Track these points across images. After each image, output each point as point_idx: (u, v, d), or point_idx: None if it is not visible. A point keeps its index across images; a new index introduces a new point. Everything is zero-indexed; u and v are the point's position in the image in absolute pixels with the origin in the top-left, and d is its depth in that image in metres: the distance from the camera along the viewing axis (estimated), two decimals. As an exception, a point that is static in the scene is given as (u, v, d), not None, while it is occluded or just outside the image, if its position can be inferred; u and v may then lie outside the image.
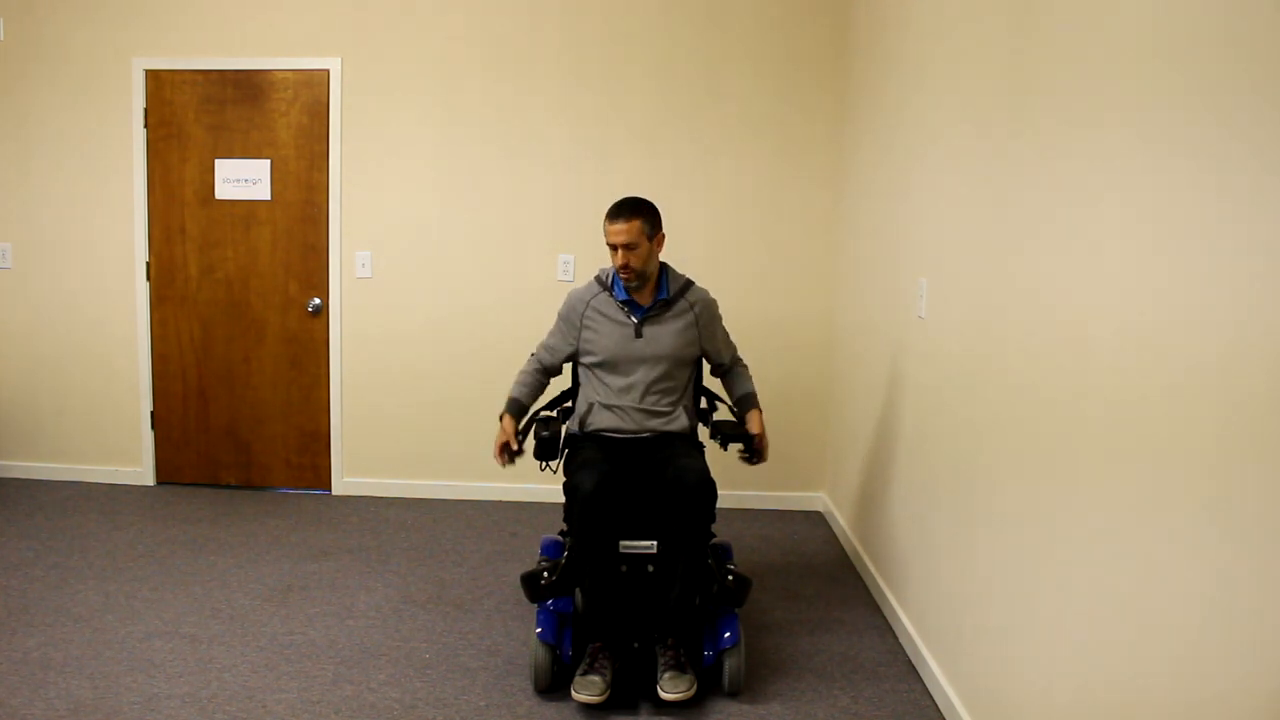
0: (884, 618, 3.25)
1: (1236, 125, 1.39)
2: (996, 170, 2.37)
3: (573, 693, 2.55)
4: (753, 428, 3.00)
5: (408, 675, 2.78)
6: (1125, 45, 1.73)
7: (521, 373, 3.06)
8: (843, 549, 3.96)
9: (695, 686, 2.58)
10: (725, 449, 3.03)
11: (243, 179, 4.39)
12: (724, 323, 3.12)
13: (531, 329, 3.68)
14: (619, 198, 2.95)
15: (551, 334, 3.06)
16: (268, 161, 4.38)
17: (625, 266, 2.85)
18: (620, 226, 2.82)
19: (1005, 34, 2.33)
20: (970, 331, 2.54)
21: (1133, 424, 1.67)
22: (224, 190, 4.40)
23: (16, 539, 3.81)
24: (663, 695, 2.54)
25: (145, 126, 4.39)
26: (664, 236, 2.95)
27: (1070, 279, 1.93)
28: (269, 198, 4.40)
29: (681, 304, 2.98)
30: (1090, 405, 1.83)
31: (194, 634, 3.00)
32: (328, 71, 4.31)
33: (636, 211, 2.85)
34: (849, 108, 4.15)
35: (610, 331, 2.93)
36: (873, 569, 3.49)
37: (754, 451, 2.99)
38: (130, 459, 4.60)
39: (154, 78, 4.37)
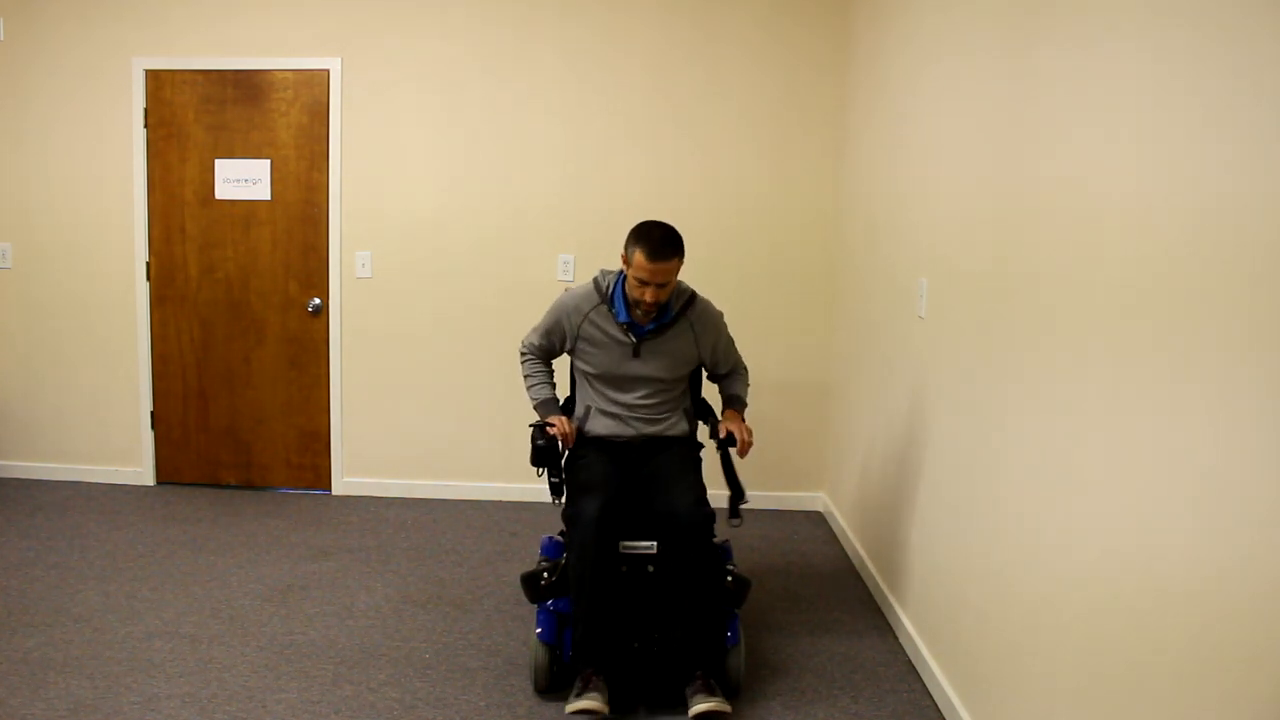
0: (884, 618, 3.25)
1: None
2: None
3: (569, 711, 2.47)
4: (724, 428, 2.85)
5: (408, 675, 2.78)
6: None
7: (532, 371, 2.96)
8: (843, 549, 3.96)
9: (728, 704, 2.49)
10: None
11: (243, 179, 4.39)
12: (728, 331, 3.01)
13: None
14: (646, 220, 2.75)
15: (545, 333, 2.94)
16: (268, 161, 4.38)
17: (655, 303, 2.69)
18: (664, 266, 2.62)
19: None
20: (970, 331, 2.54)
21: (1134, 420, 1.67)
22: (224, 190, 4.40)
23: (16, 539, 3.81)
24: (694, 710, 2.44)
25: (145, 126, 4.39)
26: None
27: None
28: (269, 198, 4.40)
29: (682, 323, 2.87)
30: (1091, 404, 1.83)
31: (194, 634, 3.00)
32: (328, 71, 4.31)
33: (678, 249, 2.67)
34: (849, 108, 4.15)
35: (607, 348, 2.84)
36: (873, 569, 3.48)
37: (724, 441, 2.85)
38: (130, 459, 4.60)
39: (154, 78, 4.37)
